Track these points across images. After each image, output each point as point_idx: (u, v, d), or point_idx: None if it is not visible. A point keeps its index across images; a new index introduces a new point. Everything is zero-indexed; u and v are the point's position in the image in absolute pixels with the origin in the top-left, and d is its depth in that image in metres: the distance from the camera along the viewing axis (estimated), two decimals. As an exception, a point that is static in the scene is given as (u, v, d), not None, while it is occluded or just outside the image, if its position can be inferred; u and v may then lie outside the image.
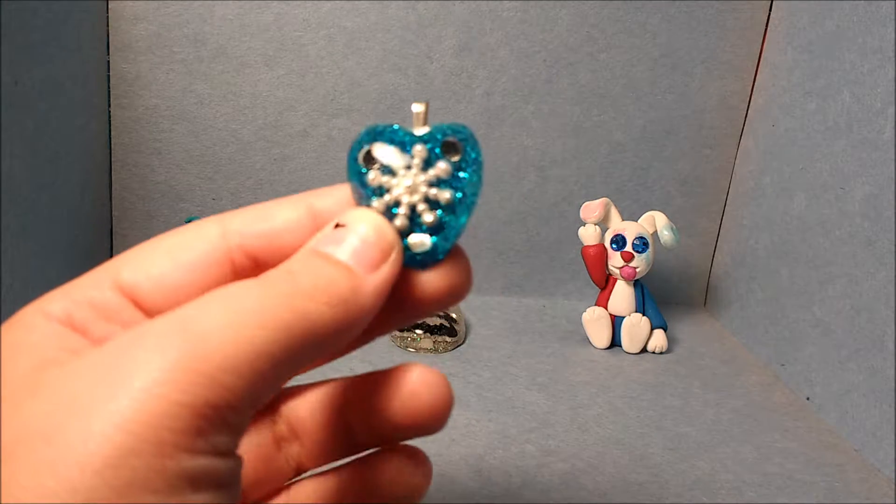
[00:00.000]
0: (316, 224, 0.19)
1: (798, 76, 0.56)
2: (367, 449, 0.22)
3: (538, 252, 0.65)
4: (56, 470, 0.13)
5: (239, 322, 0.15)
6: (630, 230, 0.56)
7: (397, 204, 0.18)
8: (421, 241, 0.19)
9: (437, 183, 0.19)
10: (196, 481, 0.14)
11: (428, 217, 0.18)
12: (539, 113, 0.62)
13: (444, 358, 0.53)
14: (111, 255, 0.62)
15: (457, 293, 0.19)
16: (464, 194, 0.19)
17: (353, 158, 0.19)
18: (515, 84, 0.62)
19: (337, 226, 0.18)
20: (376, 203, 0.18)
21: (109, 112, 0.59)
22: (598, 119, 0.63)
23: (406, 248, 0.19)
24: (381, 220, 0.18)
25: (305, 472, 0.22)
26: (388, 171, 0.19)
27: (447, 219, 0.19)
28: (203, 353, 0.14)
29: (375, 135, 0.19)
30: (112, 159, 0.60)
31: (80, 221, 0.56)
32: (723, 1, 0.61)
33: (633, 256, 0.56)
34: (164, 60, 0.59)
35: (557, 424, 0.45)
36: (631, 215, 0.59)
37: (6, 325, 0.17)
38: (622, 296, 0.57)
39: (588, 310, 0.57)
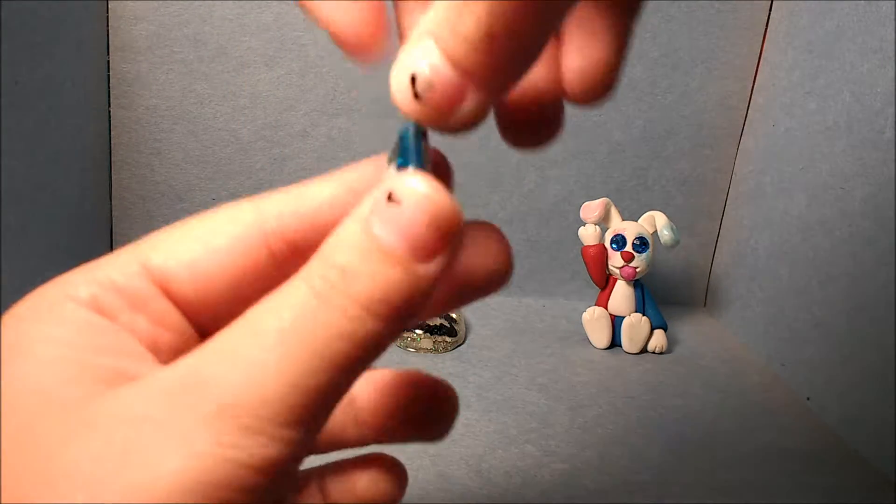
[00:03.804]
0: (356, 199, 0.17)
1: (798, 76, 0.56)
2: (365, 444, 0.22)
3: (538, 252, 0.65)
4: None
5: (298, 370, 0.14)
6: (630, 230, 0.56)
7: None
8: None
9: None
10: None
11: None
12: (539, 113, 0.62)
13: (444, 358, 0.53)
14: (111, 255, 0.62)
15: (499, 279, 0.18)
16: None
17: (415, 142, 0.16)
18: (515, 84, 0.61)
19: (390, 198, 0.15)
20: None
21: (109, 112, 0.59)
22: (598, 119, 0.63)
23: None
24: (443, 193, 0.15)
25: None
26: None
27: None
28: (265, 413, 0.14)
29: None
30: (112, 159, 0.60)
31: (80, 221, 0.56)
32: (723, 1, 0.61)
33: (633, 256, 0.56)
34: (164, 60, 0.59)
35: (557, 424, 0.45)
36: (631, 215, 0.59)
37: (30, 310, 0.16)
38: (622, 296, 0.57)
39: (588, 310, 0.57)
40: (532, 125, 0.18)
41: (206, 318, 0.18)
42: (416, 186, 0.14)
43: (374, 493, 0.21)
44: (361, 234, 0.15)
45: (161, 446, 0.14)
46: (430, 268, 0.15)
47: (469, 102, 0.15)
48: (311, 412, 0.14)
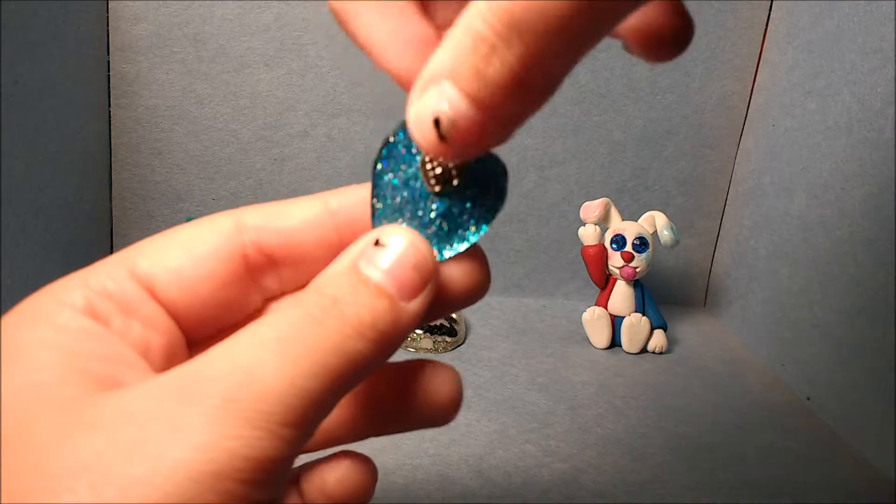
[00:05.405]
0: (334, 221, 0.19)
1: (798, 76, 0.56)
2: (361, 437, 0.22)
3: (538, 252, 0.65)
4: None
5: (295, 373, 0.15)
6: (630, 230, 0.56)
7: None
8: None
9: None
10: None
11: None
12: (539, 113, 0.62)
13: (444, 358, 0.53)
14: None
15: (477, 292, 0.19)
16: None
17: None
18: (515, 84, 0.61)
19: (377, 243, 0.17)
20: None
21: (109, 112, 0.59)
22: (598, 119, 0.63)
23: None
24: (422, 242, 0.17)
25: None
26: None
27: None
28: (266, 408, 0.15)
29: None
30: (112, 159, 0.60)
31: (80, 221, 0.56)
32: (723, 1, 0.61)
33: (633, 256, 0.56)
34: (164, 60, 0.59)
35: (557, 424, 0.45)
36: (631, 215, 0.59)
37: (25, 315, 0.17)
38: (622, 296, 0.57)
39: (588, 310, 0.57)
40: (669, 37, 0.19)
41: (190, 320, 0.19)
42: (400, 234, 0.17)
43: (343, 487, 0.22)
44: (350, 271, 0.17)
45: (165, 440, 0.14)
46: (412, 305, 0.17)
47: (492, 138, 0.16)
48: (306, 414, 0.15)
